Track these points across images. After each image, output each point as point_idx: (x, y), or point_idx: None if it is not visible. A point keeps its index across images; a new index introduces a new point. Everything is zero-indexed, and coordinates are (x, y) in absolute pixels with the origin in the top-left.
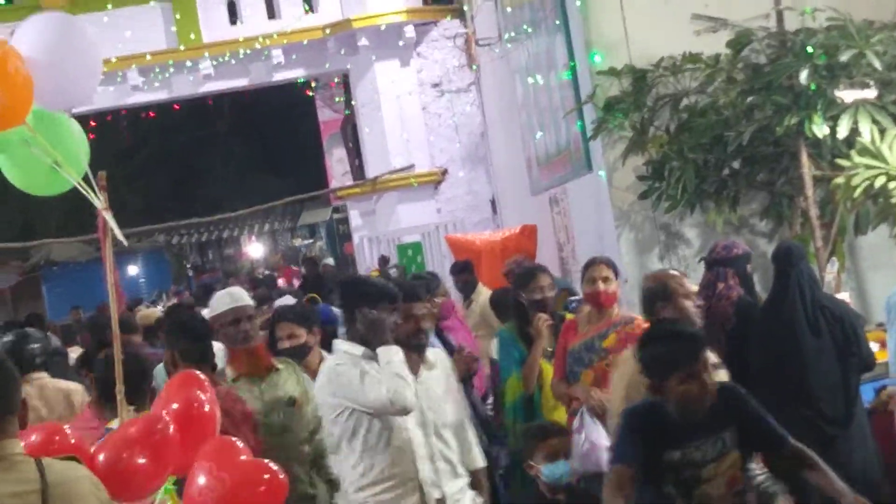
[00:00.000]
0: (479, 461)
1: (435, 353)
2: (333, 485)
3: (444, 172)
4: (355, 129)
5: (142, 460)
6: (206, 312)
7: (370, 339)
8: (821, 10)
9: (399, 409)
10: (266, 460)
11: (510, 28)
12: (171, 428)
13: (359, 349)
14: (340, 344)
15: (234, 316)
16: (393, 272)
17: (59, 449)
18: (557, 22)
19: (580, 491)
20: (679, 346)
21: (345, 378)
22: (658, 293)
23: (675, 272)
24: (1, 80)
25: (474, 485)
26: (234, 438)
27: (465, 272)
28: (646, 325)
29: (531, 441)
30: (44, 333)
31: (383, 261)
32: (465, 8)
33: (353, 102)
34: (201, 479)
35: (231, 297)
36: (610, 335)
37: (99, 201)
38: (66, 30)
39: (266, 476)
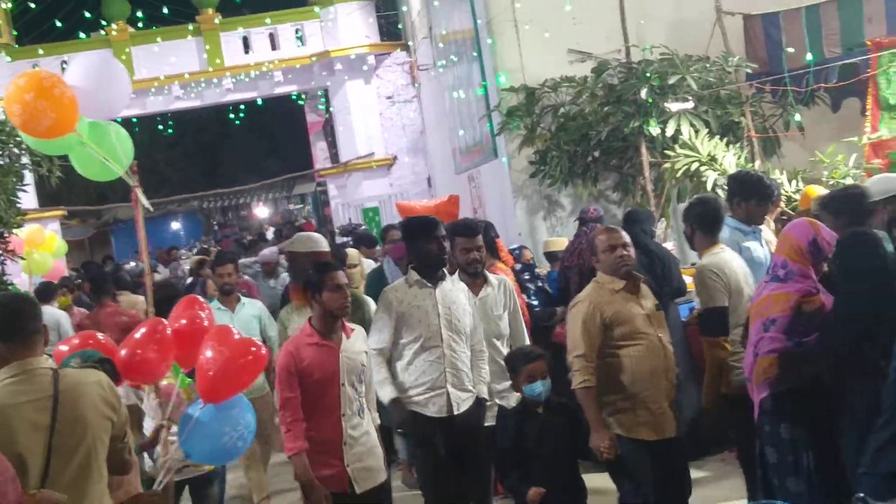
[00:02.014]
0: None
1: (498, 278)
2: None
3: (395, 158)
4: (332, 128)
5: (150, 353)
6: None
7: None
8: (656, 47)
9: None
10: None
11: (441, 58)
12: (168, 331)
13: (414, 275)
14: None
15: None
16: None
17: (94, 347)
18: (475, 54)
19: (556, 404)
20: None
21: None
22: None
23: (613, 227)
24: (51, 101)
25: None
26: (229, 327)
27: None
28: (507, 269)
29: (515, 364)
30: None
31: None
32: (410, 43)
33: (331, 109)
34: (208, 353)
35: (310, 241)
36: None
37: (132, 181)
38: (103, 63)
39: (252, 349)
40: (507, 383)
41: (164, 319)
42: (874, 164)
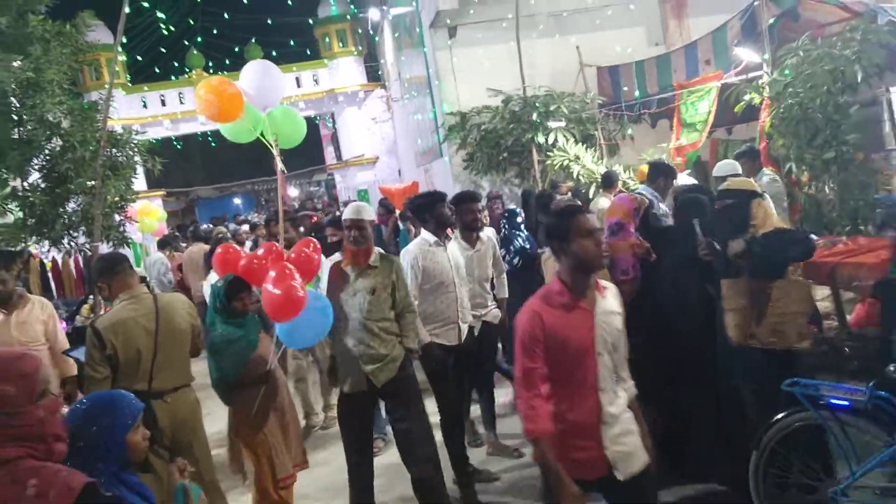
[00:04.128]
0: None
1: (486, 234)
2: (411, 351)
3: (377, 158)
4: (337, 138)
5: (265, 264)
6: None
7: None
8: (542, 86)
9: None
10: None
11: (406, 92)
12: (283, 254)
13: (432, 238)
14: (424, 233)
15: (349, 224)
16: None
17: (233, 256)
18: (428, 91)
19: None
20: None
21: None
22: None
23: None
24: (222, 96)
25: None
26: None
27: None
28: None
29: None
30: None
31: (344, 203)
32: (386, 84)
33: (336, 126)
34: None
35: (352, 210)
36: None
37: (275, 151)
38: (265, 69)
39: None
40: (487, 308)
41: (273, 245)
42: (677, 160)
